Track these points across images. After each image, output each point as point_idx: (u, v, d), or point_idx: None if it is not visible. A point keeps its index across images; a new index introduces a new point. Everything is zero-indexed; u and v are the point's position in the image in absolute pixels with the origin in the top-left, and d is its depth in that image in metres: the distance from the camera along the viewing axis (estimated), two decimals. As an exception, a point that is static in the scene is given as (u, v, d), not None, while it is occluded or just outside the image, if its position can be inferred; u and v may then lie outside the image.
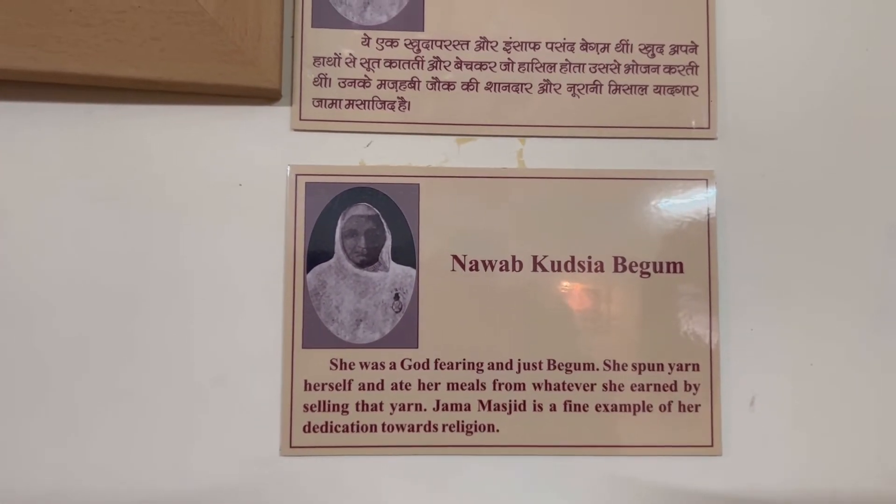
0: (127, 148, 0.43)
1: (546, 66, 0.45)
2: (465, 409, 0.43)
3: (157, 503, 0.42)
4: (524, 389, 0.43)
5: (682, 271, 0.44)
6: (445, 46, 0.45)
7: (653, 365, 0.44)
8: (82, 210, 0.43)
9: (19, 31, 0.39)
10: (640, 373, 0.44)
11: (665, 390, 0.44)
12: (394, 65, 0.44)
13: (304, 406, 0.43)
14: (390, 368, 0.43)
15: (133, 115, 0.43)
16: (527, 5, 0.45)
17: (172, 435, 0.42)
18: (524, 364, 0.44)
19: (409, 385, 0.43)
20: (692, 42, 0.45)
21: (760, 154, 0.46)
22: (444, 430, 0.43)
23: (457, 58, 0.45)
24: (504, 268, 0.44)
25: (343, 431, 0.43)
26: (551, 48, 0.45)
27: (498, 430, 0.43)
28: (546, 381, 0.44)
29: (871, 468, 0.45)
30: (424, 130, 0.44)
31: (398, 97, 0.44)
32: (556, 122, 0.45)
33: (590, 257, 0.44)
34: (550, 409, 0.43)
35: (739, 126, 0.46)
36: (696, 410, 0.44)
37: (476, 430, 0.43)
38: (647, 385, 0.44)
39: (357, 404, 0.43)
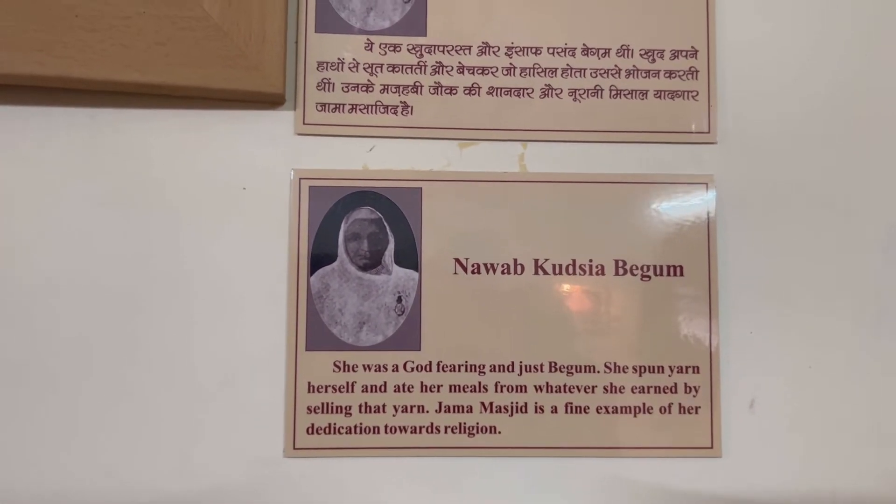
0: (131, 152, 0.43)
1: (547, 70, 0.45)
2: (467, 411, 0.44)
3: (162, 504, 0.42)
4: (526, 391, 0.44)
5: (682, 274, 0.45)
6: (448, 51, 0.45)
7: (653, 367, 0.44)
8: (87, 213, 0.43)
9: (26, 37, 0.39)
10: (640, 375, 0.44)
11: (665, 392, 0.44)
12: (396, 69, 0.45)
13: (308, 408, 0.43)
14: (393, 371, 0.43)
15: (138, 120, 0.43)
16: (528, 11, 0.45)
17: (177, 436, 0.42)
18: (526, 366, 0.44)
19: (412, 387, 0.43)
20: (692, 47, 0.46)
21: (760, 158, 0.46)
22: (446, 432, 0.43)
23: (459, 63, 0.45)
24: (506, 271, 0.44)
25: (346, 433, 0.43)
26: (553, 53, 0.45)
27: (499, 432, 0.44)
28: (547, 383, 0.44)
29: (869, 470, 0.45)
30: (427, 135, 0.45)
31: (401, 102, 0.45)
32: (557, 127, 0.45)
33: (591, 260, 0.45)
34: (552, 411, 0.44)
35: (739, 130, 0.46)
36: (696, 412, 0.44)
37: (478, 432, 0.43)
38: (648, 387, 0.44)
39: (360, 406, 0.43)
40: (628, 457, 0.44)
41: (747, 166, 0.46)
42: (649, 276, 0.45)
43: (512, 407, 0.44)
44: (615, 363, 0.44)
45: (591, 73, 0.45)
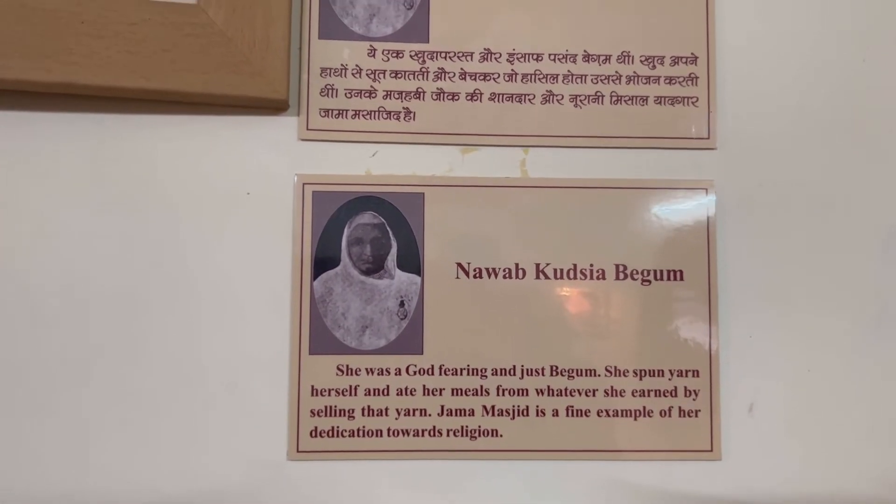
0: (137, 157, 0.44)
1: (549, 77, 0.46)
2: (469, 415, 0.44)
3: (166, 507, 0.43)
4: (527, 395, 0.44)
5: (682, 279, 0.45)
6: (450, 58, 0.45)
7: (653, 371, 0.45)
8: (93, 217, 0.43)
9: (33, 44, 0.40)
10: (640, 379, 0.45)
11: (665, 396, 0.44)
12: (399, 76, 0.45)
13: (311, 411, 0.43)
14: (395, 374, 0.44)
15: (143, 125, 0.44)
16: (530, 18, 0.46)
17: (181, 439, 0.43)
18: (527, 370, 0.44)
19: (414, 391, 0.44)
20: (692, 54, 0.46)
21: (759, 163, 0.46)
22: (448, 435, 0.44)
23: (461, 69, 0.45)
24: (507, 275, 0.45)
25: (349, 436, 0.43)
26: (554, 60, 0.46)
27: (501, 435, 0.44)
28: (548, 386, 0.44)
29: (868, 473, 0.45)
30: (429, 140, 0.45)
31: (403, 107, 0.45)
32: (558, 133, 0.45)
33: (591, 265, 0.45)
34: (553, 415, 0.44)
35: (738, 136, 0.46)
36: (696, 416, 0.45)
37: (480, 435, 0.44)
38: (648, 391, 0.44)
39: (363, 410, 0.44)
40: (629, 460, 0.44)
41: (747, 171, 0.46)
42: (650, 281, 0.45)
43: (513, 410, 0.44)
44: (615, 367, 0.45)
45: (591, 80, 0.46)
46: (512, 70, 0.46)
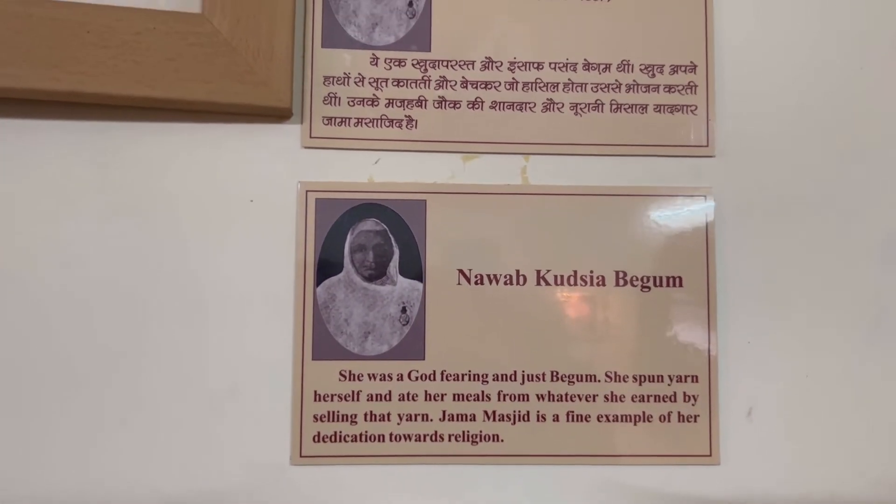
0: (142, 164, 0.44)
1: (549, 85, 0.46)
2: (471, 420, 0.44)
3: (171, 511, 0.43)
4: (528, 400, 0.44)
5: (681, 285, 0.45)
6: (451, 66, 0.46)
7: (653, 376, 0.45)
8: (98, 224, 0.44)
9: (41, 53, 0.40)
10: (640, 384, 0.45)
11: (665, 401, 0.45)
12: (401, 84, 0.46)
13: (314, 416, 0.44)
14: (398, 380, 0.44)
15: (148, 133, 0.44)
16: (531, 27, 0.46)
17: (185, 443, 0.43)
18: (528, 375, 0.45)
19: (416, 396, 0.44)
20: (691, 62, 0.47)
21: (757, 171, 0.47)
22: (449, 440, 0.44)
23: (462, 77, 0.46)
24: (508, 282, 0.45)
25: (351, 441, 0.44)
26: (554, 68, 0.46)
27: (502, 440, 0.44)
28: (549, 392, 0.45)
29: (866, 477, 0.45)
30: (431, 148, 0.46)
31: (405, 115, 0.45)
32: (558, 140, 0.46)
33: (591, 271, 0.45)
34: (553, 420, 0.44)
35: (737, 143, 0.47)
36: (695, 421, 0.45)
37: (481, 440, 0.44)
38: (648, 396, 0.45)
39: (365, 415, 0.44)
40: (628, 464, 0.45)
41: (745, 178, 0.47)
42: (649, 287, 0.45)
43: (514, 415, 0.44)
44: (615, 372, 0.45)
45: (591, 88, 0.46)
46: (513, 78, 0.46)
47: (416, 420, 0.44)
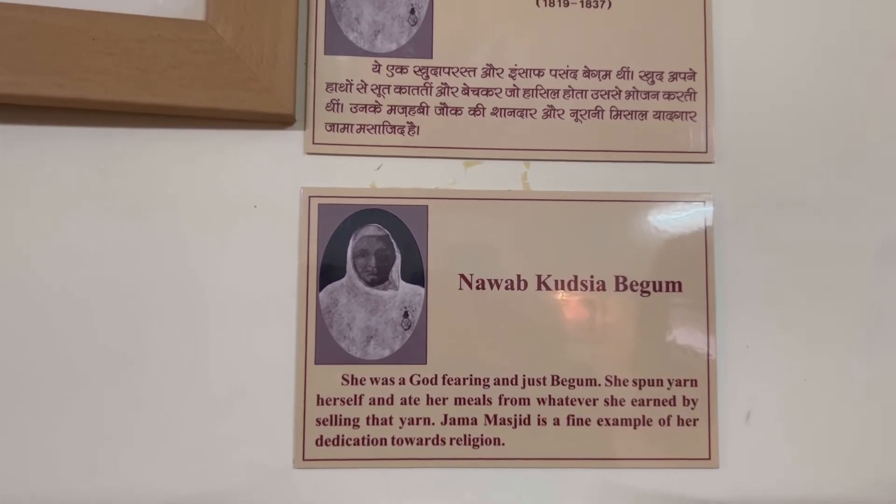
0: (146, 171, 0.44)
1: (550, 92, 0.46)
2: (472, 423, 0.45)
3: (174, 514, 0.43)
4: (529, 404, 0.45)
5: (680, 290, 0.46)
6: (453, 73, 0.46)
7: (652, 380, 0.45)
8: (102, 229, 0.44)
9: (46, 60, 0.40)
10: (640, 388, 0.45)
11: (664, 405, 0.45)
12: (403, 91, 0.46)
13: (317, 420, 0.44)
14: (400, 384, 0.44)
15: (152, 140, 0.44)
16: (531, 34, 0.47)
17: (188, 446, 0.43)
18: (529, 379, 0.45)
19: (418, 400, 0.44)
20: (690, 69, 0.47)
21: (756, 176, 0.47)
22: (451, 444, 0.44)
23: (464, 84, 0.46)
24: (509, 286, 0.45)
25: (354, 445, 0.44)
26: (555, 75, 0.47)
27: (503, 444, 0.45)
28: (550, 395, 0.45)
29: (865, 480, 0.46)
30: (433, 154, 0.46)
31: (407, 122, 0.46)
32: (559, 146, 0.46)
33: (592, 276, 0.46)
34: (554, 423, 0.45)
35: (736, 149, 0.47)
36: (695, 424, 0.45)
37: (482, 444, 0.44)
38: (647, 400, 0.45)
39: (367, 418, 0.44)
40: (628, 468, 0.45)
41: (744, 184, 0.47)
42: (649, 292, 0.46)
43: (515, 419, 0.45)
44: (615, 376, 0.45)
45: (592, 95, 0.47)
46: (514, 85, 0.46)
47: (417, 424, 0.44)
